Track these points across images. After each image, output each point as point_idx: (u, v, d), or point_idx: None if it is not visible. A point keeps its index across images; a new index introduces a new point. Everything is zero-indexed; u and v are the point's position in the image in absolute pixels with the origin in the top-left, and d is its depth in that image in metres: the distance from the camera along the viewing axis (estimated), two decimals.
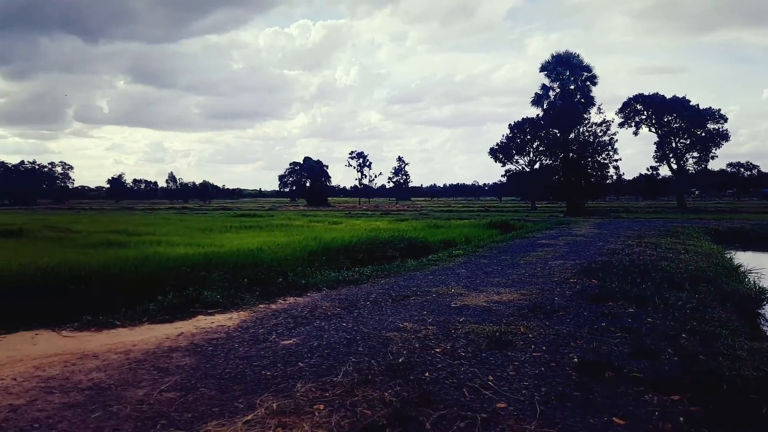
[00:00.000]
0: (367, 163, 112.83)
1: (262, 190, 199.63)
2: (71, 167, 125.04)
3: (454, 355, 5.31)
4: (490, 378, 4.62)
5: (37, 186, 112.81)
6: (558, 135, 52.71)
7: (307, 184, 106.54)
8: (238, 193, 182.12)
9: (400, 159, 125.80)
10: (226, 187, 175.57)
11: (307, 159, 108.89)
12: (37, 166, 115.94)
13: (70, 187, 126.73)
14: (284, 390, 4.33)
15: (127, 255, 11.24)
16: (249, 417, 3.77)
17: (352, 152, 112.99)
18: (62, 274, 9.34)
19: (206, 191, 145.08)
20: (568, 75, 49.27)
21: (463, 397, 4.18)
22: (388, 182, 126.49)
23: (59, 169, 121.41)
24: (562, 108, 48.50)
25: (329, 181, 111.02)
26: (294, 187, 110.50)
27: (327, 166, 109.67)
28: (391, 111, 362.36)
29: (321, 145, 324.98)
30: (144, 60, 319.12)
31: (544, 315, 7.16)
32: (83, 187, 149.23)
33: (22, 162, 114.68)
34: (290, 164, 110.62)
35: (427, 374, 4.70)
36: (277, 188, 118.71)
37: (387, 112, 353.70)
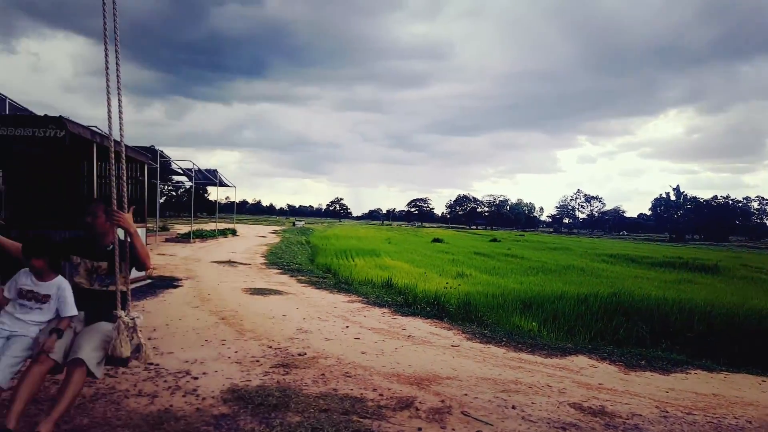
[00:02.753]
0: None
1: None
2: None
3: None
4: None
5: (730, 222, 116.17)
6: None
7: None
8: None
9: None
10: None
11: None
12: (730, 201, 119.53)
13: None
14: None
15: None
16: None
17: None
18: None
19: None
20: None
21: None
22: None
23: (755, 204, 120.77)
24: None
25: None
26: None
27: None
28: None
29: None
30: None
31: None
32: None
33: (715, 197, 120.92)
34: None
35: None
36: None
37: None
